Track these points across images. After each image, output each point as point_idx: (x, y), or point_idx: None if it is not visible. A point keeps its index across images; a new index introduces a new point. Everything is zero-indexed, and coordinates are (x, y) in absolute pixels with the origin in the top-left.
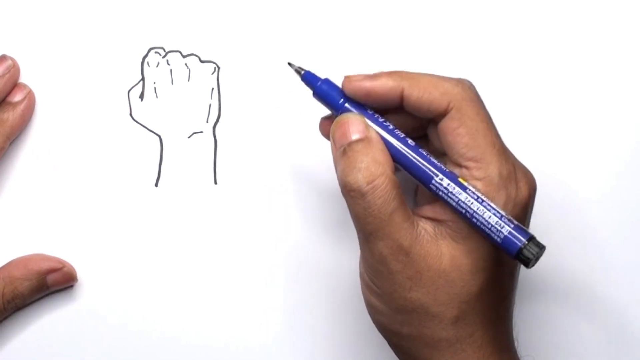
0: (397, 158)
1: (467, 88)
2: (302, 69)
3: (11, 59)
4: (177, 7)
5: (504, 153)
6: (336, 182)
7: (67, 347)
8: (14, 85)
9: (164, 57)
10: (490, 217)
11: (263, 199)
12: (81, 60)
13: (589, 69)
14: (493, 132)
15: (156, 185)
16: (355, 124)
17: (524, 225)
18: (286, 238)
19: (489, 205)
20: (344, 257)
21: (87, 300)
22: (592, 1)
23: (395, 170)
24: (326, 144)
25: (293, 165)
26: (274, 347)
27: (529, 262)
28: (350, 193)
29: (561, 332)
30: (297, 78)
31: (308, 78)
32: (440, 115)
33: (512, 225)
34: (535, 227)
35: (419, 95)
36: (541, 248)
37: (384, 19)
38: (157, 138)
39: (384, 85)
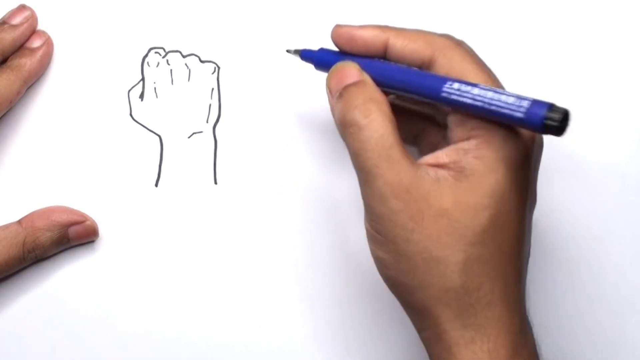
0: (404, 81)
1: (452, 38)
2: (299, 50)
3: (30, 9)
4: (177, 7)
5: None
6: (338, 182)
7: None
8: (32, 34)
9: (164, 57)
10: (507, 98)
11: (263, 199)
12: (81, 60)
13: (589, 69)
14: (486, 71)
15: (156, 185)
16: (349, 69)
17: (530, 184)
18: (286, 238)
19: (502, 91)
20: (346, 256)
21: (87, 297)
22: (592, 1)
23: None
24: (326, 145)
25: (293, 165)
26: (274, 347)
27: (557, 129)
28: (349, 129)
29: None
30: (297, 72)
31: (306, 55)
32: (426, 65)
33: (530, 100)
34: (543, 223)
35: (403, 43)
36: (564, 113)
37: (384, 19)
38: (157, 138)
39: (369, 32)
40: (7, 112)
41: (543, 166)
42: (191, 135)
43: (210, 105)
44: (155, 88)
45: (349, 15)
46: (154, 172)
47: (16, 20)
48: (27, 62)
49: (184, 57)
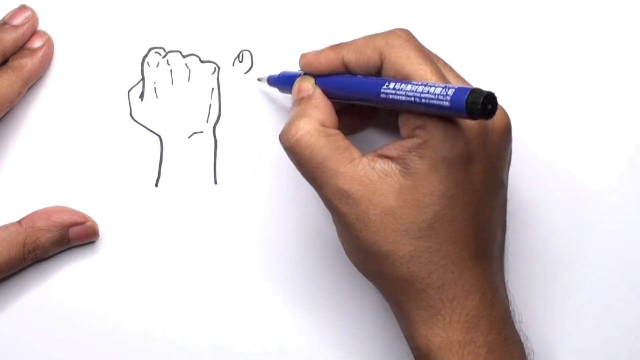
0: (348, 90)
1: (395, 36)
2: (261, 78)
3: (30, 9)
4: (177, 7)
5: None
6: None
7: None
8: (33, 34)
9: (164, 57)
10: (435, 89)
11: (263, 199)
12: (81, 60)
13: (594, 65)
14: (429, 63)
15: (156, 185)
16: (302, 84)
17: (485, 177)
18: (286, 238)
19: (433, 84)
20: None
21: (87, 297)
22: (594, 1)
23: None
24: None
25: (293, 165)
26: (274, 347)
27: (482, 111)
28: (284, 149)
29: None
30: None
31: (271, 81)
32: (380, 70)
33: (456, 87)
34: (542, 219)
35: (356, 57)
36: (485, 94)
37: (385, 20)
38: (157, 138)
39: (327, 56)
40: (8, 112)
41: (544, 165)
42: (191, 135)
43: (210, 105)
44: (155, 88)
45: (349, 15)
46: (154, 172)
47: (17, 21)
48: (27, 63)
49: (184, 57)
